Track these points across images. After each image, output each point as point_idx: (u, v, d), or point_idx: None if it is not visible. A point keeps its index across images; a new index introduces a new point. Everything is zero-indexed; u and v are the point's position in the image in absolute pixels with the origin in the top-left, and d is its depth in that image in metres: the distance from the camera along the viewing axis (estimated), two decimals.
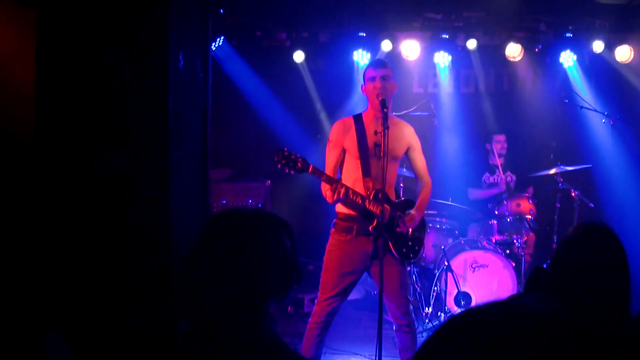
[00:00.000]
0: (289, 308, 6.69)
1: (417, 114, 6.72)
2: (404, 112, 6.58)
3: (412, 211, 4.39)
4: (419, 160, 4.54)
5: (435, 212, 7.27)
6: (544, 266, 2.17)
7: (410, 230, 4.40)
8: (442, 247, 6.42)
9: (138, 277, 2.48)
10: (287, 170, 3.91)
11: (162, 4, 2.49)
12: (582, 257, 2.03)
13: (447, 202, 7.14)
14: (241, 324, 1.88)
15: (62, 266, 2.44)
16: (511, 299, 0.97)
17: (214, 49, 7.27)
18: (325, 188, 4.13)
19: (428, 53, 7.91)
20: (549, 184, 7.19)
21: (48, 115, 2.49)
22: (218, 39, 7.29)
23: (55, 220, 2.46)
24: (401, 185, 6.88)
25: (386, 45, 7.53)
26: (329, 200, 4.12)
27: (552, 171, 6.79)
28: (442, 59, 8.06)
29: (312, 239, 5.53)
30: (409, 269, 5.47)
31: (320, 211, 6.28)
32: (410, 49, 7.63)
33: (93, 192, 2.46)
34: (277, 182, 7.31)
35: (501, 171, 7.33)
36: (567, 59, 8.08)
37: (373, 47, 7.66)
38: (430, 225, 6.81)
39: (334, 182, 4.05)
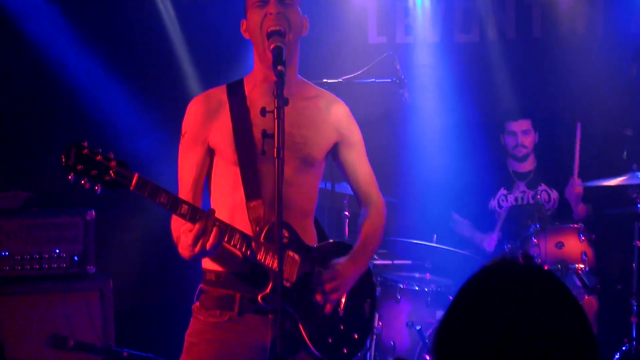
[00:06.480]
0: None
1: (369, 80, 4.80)
2: (342, 78, 4.66)
3: (339, 263, 2.98)
4: (359, 163, 3.19)
5: (410, 262, 5.49)
6: None
7: (342, 300, 3.06)
8: (418, 327, 4.80)
9: None
10: (87, 185, 2.56)
11: None
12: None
13: (432, 244, 5.22)
14: None
15: None
16: None
17: None
18: (176, 226, 2.74)
19: None
20: (620, 205, 5.39)
21: None
22: None
23: None
24: (346, 213, 5.05)
25: None
26: (184, 252, 2.64)
27: (624, 181, 5.00)
28: None
29: (167, 319, 4.39)
30: None
31: (187, 269, 4.10)
32: None
33: None
34: (108, 213, 5.00)
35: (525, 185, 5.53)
36: None
37: None
38: (402, 286, 4.96)
39: (198, 213, 2.66)
